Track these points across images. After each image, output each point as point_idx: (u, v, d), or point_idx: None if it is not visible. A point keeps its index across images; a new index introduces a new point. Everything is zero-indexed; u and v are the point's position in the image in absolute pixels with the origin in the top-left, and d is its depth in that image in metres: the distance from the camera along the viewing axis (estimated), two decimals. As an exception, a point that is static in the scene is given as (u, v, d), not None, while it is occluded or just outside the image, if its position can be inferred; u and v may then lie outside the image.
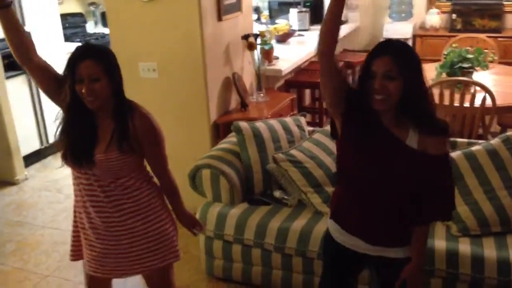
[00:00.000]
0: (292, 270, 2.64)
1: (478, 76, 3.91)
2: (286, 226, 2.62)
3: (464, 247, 2.37)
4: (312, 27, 5.52)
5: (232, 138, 3.09)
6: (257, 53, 3.87)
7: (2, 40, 4.44)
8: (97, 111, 1.88)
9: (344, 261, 1.99)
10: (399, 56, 1.69)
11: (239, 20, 3.71)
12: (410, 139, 1.75)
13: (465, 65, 3.83)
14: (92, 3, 6.07)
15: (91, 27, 6.08)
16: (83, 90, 1.79)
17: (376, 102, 1.70)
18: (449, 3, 5.57)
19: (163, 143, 2.00)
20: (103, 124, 1.89)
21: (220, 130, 3.49)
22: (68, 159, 1.91)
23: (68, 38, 5.30)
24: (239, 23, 3.71)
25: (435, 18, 5.56)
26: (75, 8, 5.92)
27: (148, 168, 2.06)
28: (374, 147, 1.77)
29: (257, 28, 4.25)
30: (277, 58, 4.33)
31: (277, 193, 2.88)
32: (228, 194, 2.80)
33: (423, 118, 1.74)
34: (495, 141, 2.70)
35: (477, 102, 3.48)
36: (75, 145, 1.88)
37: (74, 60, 1.80)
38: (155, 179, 2.08)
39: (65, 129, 1.90)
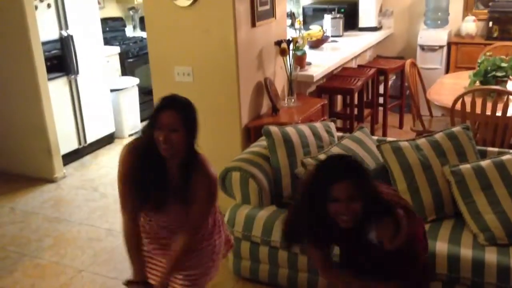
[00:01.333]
0: (318, 273, 2.68)
1: (512, 85, 3.87)
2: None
3: (491, 256, 2.37)
4: (345, 33, 5.55)
5: (262, 142, 3.16)
6: (289, 58, 3.93)
7: (46, 42, 4.65)
8: (168, 159, 1.93)
9: None
10: (357, 179, 1.81)
11: (272, 26, 3.78)
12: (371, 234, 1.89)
13: (499, 74, 3.79)
14: (131, 8, 6.26)
15: (130, 31, 6.28)
16: (160, 138, 1.86)
17: (344, 222, 1.84)
18: (485, 11, 5.49)
19: (213, 203, 2.04)
20: (169, 173, 1.95)
21: (251, 134, 3.56)
22: (148, 202, 1.96)
23: (107, 42, 5.50)
24: (272, 29, 3.79)
25: (471, 26, 5.49)
26: (115, 12, 6.12)
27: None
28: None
29: (290, 34, 4.31)
30: (309, 63, 4.38)
31: (305, 197, 2.92)
32: (256, 197, 2.87)
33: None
34: (526, 151, 2.69)
35: (510, 112, 3.44)
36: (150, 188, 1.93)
37: (158, 109, 1.90)
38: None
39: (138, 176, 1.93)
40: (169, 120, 1.87)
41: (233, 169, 2.91)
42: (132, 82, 5.52)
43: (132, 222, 2.00)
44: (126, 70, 5.67)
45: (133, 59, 5.74)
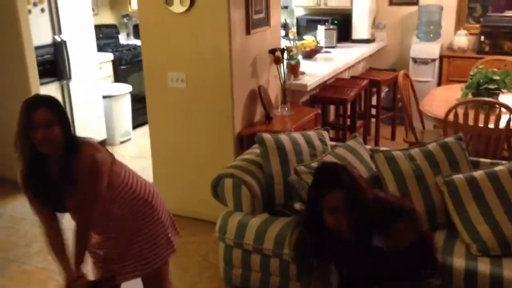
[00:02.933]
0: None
1: (505, 98, 3.89)
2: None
3: (484, 267, 2.36)
4: (339, 45, 5.57)
5: (255, 149, 3.15)
6: (283, 67, 3.94)
7: (40, 47, 4.62)
8: (51, 157, 1.96)
9: None
10: (348, 186, 1.79)
11: (267, 35, 3.79)
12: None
13: (491, 86, 3.82)
14: (125, 15, 6.26)
15: (123, 39, 6.27)
16: (38, 136, 1.88)
17: (346, 234, 1.83)
18: (477, 25, 5.55)
19: (97, 183, 1.99)
20: (52, 170, 1.98)
21: (244, 141, 3.55)
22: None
23: (101, 48, 5.48)
24: (266, 37, 3.79)
25: (463, 40, 5.54)
26: (109, 19, 6.11)
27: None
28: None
29: (284, 44, 4.32)
30: (303, 73, 4.40)
31: (298, 205, 2.90)
32: (249, 204, 2.85)
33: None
34: (518, 162, 2.69)
35: (502, 124, 3.46)
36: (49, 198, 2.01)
37: (28, 111, 1.90)
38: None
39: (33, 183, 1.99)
40: (42, 116, 1.89)
41: (226, 175, 2.89)
42: (125, 89, 5.49)
43: (45, 224, 2.08)
44: (119, 77, 5.65)
45: (126, 66, 5.72)
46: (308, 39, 5.30)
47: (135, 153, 5.23)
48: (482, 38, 5.42)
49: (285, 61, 3.96)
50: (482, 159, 2.97)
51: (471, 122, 3.53)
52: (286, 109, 3.93)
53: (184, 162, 3.72)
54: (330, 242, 1.90)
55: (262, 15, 3.66)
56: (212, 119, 3.54)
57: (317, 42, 5.31)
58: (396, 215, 1.86)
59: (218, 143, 3.57)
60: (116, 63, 5.61)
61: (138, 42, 5.08)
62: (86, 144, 2.00)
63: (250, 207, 2.85)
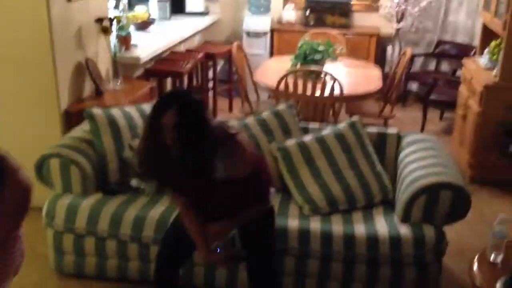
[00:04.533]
0: (150, 260, 2.56)
1: (329, 67, 4.16)
2: (142, 215, 2.53)
3: (315, 225, 2.49)
4: (173, 17, 5.44)
5: (85, 126, 2.91)
6: (113, 39, 3.70)
7: None
8: None
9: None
10: (184, 106, 1.84)
11: (91, 3, 3.50)
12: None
13: (317, 57, 4.05)
14: None
15: None
16: None
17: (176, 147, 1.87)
18: (303, 0, 5.85)
19: (21, 214, 1.73)
20: None
21: (72, 119, 3.27)
22: None
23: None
24: (91, 5, 3.51)
25: (290, 14, 5.80)
26: None
27: None
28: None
29: (113, 14, 4.06)
30: (135, 45, 4.18)
31: (134, 182, 2.77)
32: (80, 185, 2.64)
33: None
34: (342, 126, 2.88)
35: (327, 92, 3.69)
36: None
37: None
38: None
39: None
40: None
41: (51, 156, 2.62)
42: None
43: None
44: None
45: None
46: (140, 10, 5.07)
47: None
48: (307, 12, 5.73)
49: (115, 33, 3.74)
50: (311, 125, 3.12)
51: (300, 90, 3.71)
52: (119, 83, 3.72)
53: (3, 145, 3.31)
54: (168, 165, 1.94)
55: (84, -19, 3.37)
56: (33, 96, 3.19)
57: (149, 14, 5.11)
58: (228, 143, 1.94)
59: (42, 122, 3.23)
60: None
61: None
62: (12, 165, 1.65)
63: (81, 188, 2.64)
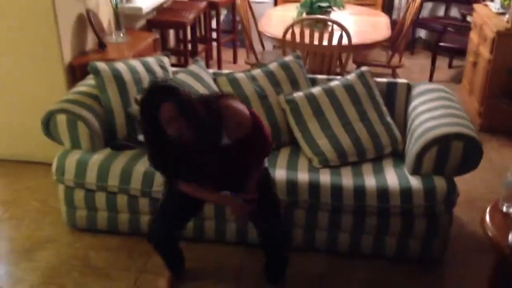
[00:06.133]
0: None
1: (335, 15, 4.05)
2: (151, 170, 2.52)
3: (325, 177, 2.49)
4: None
5: (90, 80, 2.87)
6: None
7: None
8: None
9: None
10: (172, 96, 1.86)
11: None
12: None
13: (323, 4, 3.93)
14: None
15: None
16: None
17: (188, 138, 1.92)
18: None
19: None
20: None
21: (76, 72, 3.22)
22: None
23: None
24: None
25: (295, -41, 5.61)
26: None
27: None
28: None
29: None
30: (136, -5, 4.07)
31: (142, 136, 2.75)
32: (88, 140, 2.62)
33: None
34: (351, 77, 2.83)
35: (335, 41, 3.60)
36: None
37: None
38: None
39: None
40: None
41: (58, 111, 2.59)
42: None
43: None
44: None
45: None
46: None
47: None
48: (313, -43, 5.52)
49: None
50: (318, 76, 3.07)
51: (307, 40, 3.62)
52: (121, 35, 3.63)
53: (7, 101, 3.28)
54: (177, 152, 1.99)
55: None
56: (35, 50, 3.12)
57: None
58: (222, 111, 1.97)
59: (46, 76, 3.18)
60: None
61: None
62: None
63: (90, 144, 2.63)
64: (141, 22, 4.23)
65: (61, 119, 2.59)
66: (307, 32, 3.61)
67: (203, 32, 5.12)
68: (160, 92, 1.87)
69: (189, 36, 4.50)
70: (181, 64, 4.55)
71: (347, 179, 2.47)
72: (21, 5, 3.02)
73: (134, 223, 2.65)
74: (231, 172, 2.11)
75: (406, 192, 2.38)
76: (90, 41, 3.47)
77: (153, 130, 1.91)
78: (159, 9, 4.40)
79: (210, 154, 2.02)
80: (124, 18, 3.78)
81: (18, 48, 3.14)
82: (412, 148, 2.50)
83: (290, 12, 4.20)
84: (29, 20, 3.05)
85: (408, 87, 2.89)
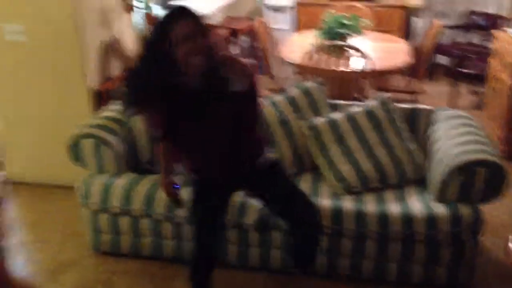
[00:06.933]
0: (183, 238, 2.59)
1: (355, 41, 4.09)
2: (175, 194, 2.55)
3: (347, 204, 2.48)
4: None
5: (115, 105, 2.92)
6: (139, 16, 3.68)
7: None
8: None
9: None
10: (195, 17, 1.82)
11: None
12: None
13: (342, 30, 3.97)
14: None
15: None
16: None
17: (198, 62, 1.84)
18: (326, -28, 5.72)
19: None
20: None
21: (101, 98, 3.29)
22: None
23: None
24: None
25: (315, -13, 5.69)
26: None
27: None
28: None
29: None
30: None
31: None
32: (112, 165, 2.66)
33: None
34: (372, 103, 2.84)
35: (354, 67, 3.63)
36: None
37: None
38: None
39: None
40: None
41: (84, 136, 2.64)
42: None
43: None
44: None
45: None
46: (162, -14, 5.01)
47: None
48: (332, -15, 5.61)
49: (141, 11, 3.72)
50: (339, 102, 3.08)
51: (326, 66, 3.65)
52: (145, 61, 3.70)
53: (34, 126, 3.35)
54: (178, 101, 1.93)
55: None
56: (61, 75, 3.20)
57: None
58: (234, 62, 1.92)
59: (71, 101, 3.25)
60: None
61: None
62: None
63: (114, 168, 2.67)
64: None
65: (87, 143, 2.64)
66: (326, 58, 3.64)
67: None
68: (180, 10, 1.82)
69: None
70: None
71: (370, 206, 2.46)
72: (48, 32, 3.11)
73: (157, 248, 2.66)
74: (224, 134, 2.04)
75: (431, 219, 2.36)
76: (115, 67, 3.55)
77: (160, 43, 1.80)
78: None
79: (212, 101, 1.93)
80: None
81: (45, 74, 3.22)
82: (436, 175, 2.49)
83: (309, 39, 4.25)
84: (56, 46, 3.14)
85: (430, 113, 2.90)
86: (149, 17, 3.90)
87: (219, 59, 1.87)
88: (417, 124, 2.87)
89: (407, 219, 2.38)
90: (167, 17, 1.82)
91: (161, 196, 2.54)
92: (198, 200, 2.24)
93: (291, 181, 2.36)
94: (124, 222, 2.63)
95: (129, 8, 3.57)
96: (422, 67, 4.17)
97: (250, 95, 1.99)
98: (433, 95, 5.17)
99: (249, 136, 2.14)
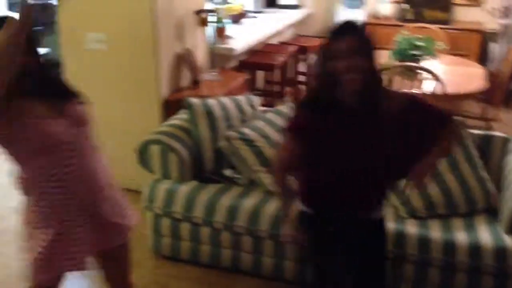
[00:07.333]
0: (241, 249, 2.60)
1: (428, 64, 3.98)
2: (236, 204, 2.57)
3: (412, 228, 2.40)
4: (266, 10, 5.46)
5: (183, 114, 3.00)
6: (211, 30, 3.77)
7: None
8: None
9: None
10: (358, 34, 1.76)
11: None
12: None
13: (416, 52, 3.89)
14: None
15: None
16: None
17: (352, 81, 1.72)
18: (401, -7, 5.65)
19: None
20: None
21: (170, 107, 3.38)
22: None
23: (10, 7, 5.02)
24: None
25: (386, 7, 5.63)
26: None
27: None
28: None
29: (210, 6, 4.14)
30: (230, 37, 4.25)
31: (228, 172, 2.82)
32: (177, 171, 2.72)
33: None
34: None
35: (427, 89, 3.54)
36: None
37: None
38: None
39: None
40: None
41: (152, 142, 2.73)
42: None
43: None
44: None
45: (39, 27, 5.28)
46: (235, 3, 5.13)
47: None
48: (405, 6, 5.53)
49: (213, 24, 3.81)
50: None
51: (397, 87, 3.58)
52: (214, 74, 3.79)
53: (106, 129, 3.49)
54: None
55: (187, -27, 3.45)
56: (136, 83, 3.33)
57: (243, 6, 5.16)
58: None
59: (143, 108, 3.37)
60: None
61: (53, 1, 4.68)
62: None
63: (179, 174, 2.73)
64: (233, 63, 4.39)
65: (155, 149, 2.72)
66: (398, 80, 3.58)
67: (292, 75, 5.22)
68: (350, 25, 1.77)
69: (277, 78, 4.60)
70: (267, 104, 4.64)
71: (435, 232, 2.37)
72: (128, 41, 3.25)
73: (215, 256, 2.68)
74: (372, 165, 1.81)
75: (500, 252, 2.24)
76: (185, 78, 3.65)
77: (325, 60, 1.76)
78: (250, 51, 4.56)
79: (365, 117, 1.77)
80: (217, 58, 3.95)
81: (121, 81, 3.36)
82: (508, 206, 2.36)
83: (381, 59, 4.18)
84: (134, 56, 3.27)
85: (505, 141, 2.76)
86: (219, 32, 3.99)
87: (380, 86, 1.82)
88: (490, 152, 2.75)
89: (475, 249, 2.27)
90: (334, 30, 1.78)
91: (222, 204, 2.57)
92: (318, 251, 1.99)
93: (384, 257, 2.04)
94: (185, 228, 2.67)
95: (204, 22, 3.67)
96: (498, 93, 3.99)
97: (408, 116, 1.79)
98: (510, 123, 4.93)
99: (392, 178, 1.94)
